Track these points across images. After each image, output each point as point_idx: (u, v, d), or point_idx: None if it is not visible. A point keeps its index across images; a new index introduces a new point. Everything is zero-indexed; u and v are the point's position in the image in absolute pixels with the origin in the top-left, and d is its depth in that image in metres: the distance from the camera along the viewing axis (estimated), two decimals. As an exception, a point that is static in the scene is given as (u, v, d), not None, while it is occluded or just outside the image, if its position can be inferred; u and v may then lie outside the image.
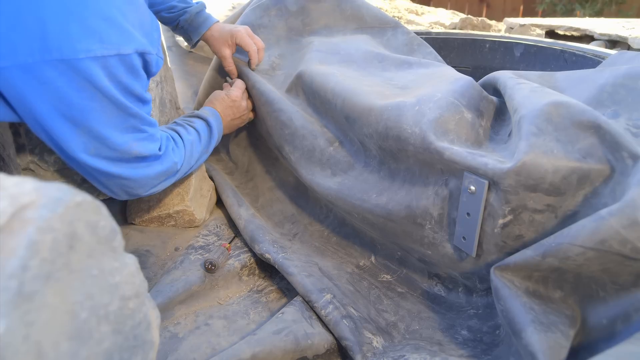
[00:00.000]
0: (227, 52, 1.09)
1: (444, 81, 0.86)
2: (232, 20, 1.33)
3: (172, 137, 0.87)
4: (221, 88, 1.19)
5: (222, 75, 1.21)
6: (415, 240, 0.81)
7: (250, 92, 1.10)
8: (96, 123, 0.69)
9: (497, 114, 0.81)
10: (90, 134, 0.70)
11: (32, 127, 0.69)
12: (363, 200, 0.86)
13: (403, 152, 0.80)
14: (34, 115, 0.66)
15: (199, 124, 0.96)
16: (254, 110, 1.12)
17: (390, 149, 0.83)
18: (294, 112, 1.01)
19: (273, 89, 1.06)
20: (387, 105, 0.83)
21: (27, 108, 0.65)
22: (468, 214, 0.70)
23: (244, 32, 1.08)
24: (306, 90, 1.04)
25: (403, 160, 0.82)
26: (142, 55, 0.72)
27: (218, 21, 1.11)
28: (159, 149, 0.81)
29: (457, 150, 0.70)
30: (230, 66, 1.11)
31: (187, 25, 1.08)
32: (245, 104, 1.08)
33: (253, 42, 1.08)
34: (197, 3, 1.09)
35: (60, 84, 0.64)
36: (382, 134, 0.82)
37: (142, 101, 0.75)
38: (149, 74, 0.76)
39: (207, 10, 1.11)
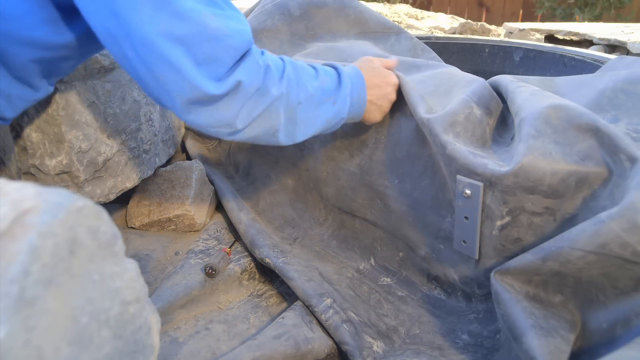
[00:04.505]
0: None
1: (458, 84, 0.87)
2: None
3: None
4: None
5: None
6: (431, 232, 0.81)
7: None
8: None
9: (501, 117, 0.82)
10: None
11: (98, 20, 0.57)
12: (385, 186, 0.87)
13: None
14: None
15: (319, 65, 0.76)
16: None
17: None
18: None
19: None
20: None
21: None
22: (466, 217, 0.70)
23: None
24: None
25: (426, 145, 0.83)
26: None
27: None
28: (252, 43, 0.63)
29: (459, 147, 0.70)
30: None
31: None
32: (393, 76, 0.84)
33: None
34: None
35: None
36: None
37: None
38: None
39: None
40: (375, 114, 0.83)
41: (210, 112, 0.61)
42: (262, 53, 0.66)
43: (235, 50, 0.60)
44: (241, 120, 0.64)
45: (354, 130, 0.93)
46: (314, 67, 0.74)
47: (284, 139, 0.70)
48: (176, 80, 0.58)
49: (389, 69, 0.85)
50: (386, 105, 0.84)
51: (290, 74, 0.68)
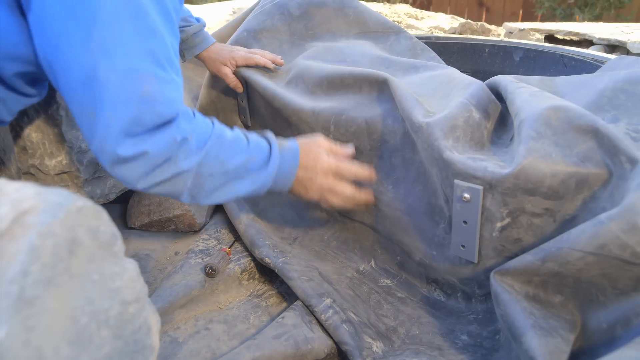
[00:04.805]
0: (226, 70, 1.08)
1: (456, 87, 0.87)
2: (234, 25, 1.33)
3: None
4: (222, 92, 1.19)
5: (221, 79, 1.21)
6: (425, 238, 0.81)
7: (256, 92, 1.09)
8: (107, 29, 0.56)
9: (500, 118, 0.82)
10: (99, 43, 0.56)
11: (39, 45, 0.59)
12: (379, 192, 0.87)
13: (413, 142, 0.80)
14: (41, 17, 0.57)
15: (253, 136, 0.74)
16: (261, 118, 1.11)
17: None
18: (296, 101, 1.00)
19: (275, 86, 1.05)
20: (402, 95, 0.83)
21: (37, 7, 0.57)
22: (465, 222, 0.70)
23: (243, 53, 1.07)
24: (307, 78, 1.03)
25: (416, 151, 0.82)
26: None
27: (215, 42, 1.10)
28: (178, 113, 0.63)
29: (457, 153, 0.70)
30: (233, 82, 1.11)
31: (181, 43, 1.07)
32: (329, 160, 0.79)
33: (254, 54, 1.08)
34: (197, 21, 1.08)
35: None
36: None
37: (172, 30, 0.64)
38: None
39: (208, 18, 1.11)
40: (305, 193, 0.79)
41: (114, 167, 0.62)
42: (191, 119, 0.65)
43: (159, 117, 0.61)
44: (142, 183, 0.64)
45: (346, 137, 0.93)
46: (247, 140, 0.72)
47: (187, 200, 0.69)
48: (93, 126, 0.59)
49: (339, 156, 0.81)
50: (314, 192, 0.79)
51: (211, 146, 0.66)
